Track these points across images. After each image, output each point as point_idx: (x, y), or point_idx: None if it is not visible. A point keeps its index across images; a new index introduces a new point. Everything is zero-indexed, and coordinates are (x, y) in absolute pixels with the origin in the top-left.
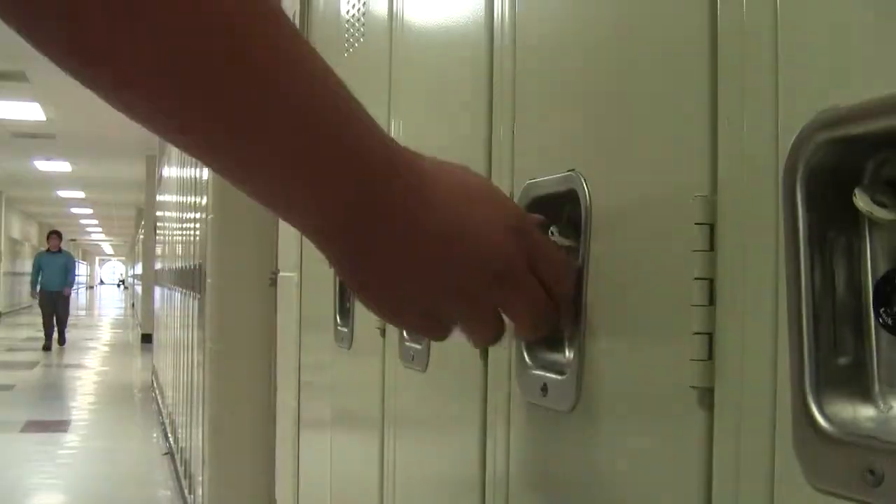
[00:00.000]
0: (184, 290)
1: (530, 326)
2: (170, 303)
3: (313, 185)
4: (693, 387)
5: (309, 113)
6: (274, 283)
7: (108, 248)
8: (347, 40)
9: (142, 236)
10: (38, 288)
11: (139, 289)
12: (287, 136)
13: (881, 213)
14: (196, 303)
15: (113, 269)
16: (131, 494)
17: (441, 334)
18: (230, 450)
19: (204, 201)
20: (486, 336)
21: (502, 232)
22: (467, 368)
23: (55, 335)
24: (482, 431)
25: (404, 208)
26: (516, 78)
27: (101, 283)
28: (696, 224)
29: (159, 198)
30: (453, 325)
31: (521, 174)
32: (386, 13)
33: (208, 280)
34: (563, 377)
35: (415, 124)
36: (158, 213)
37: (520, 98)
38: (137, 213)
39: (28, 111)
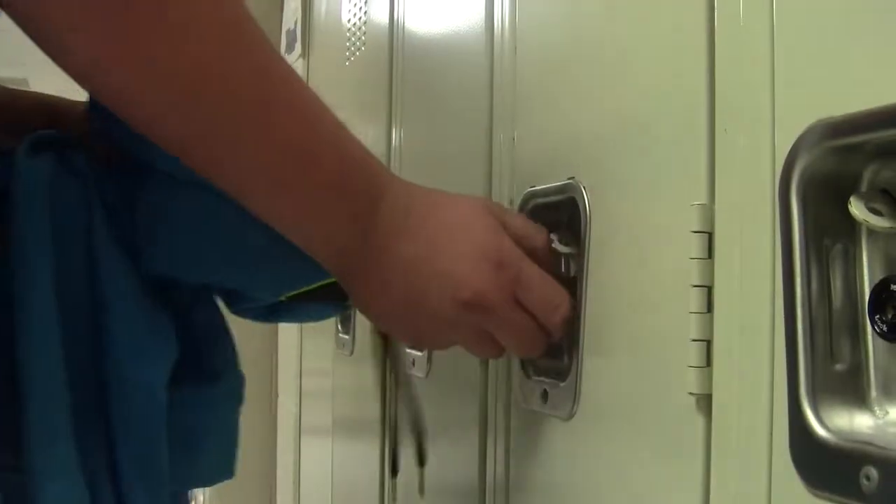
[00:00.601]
0: None
1: (522, 351)
2: None
3: (312, 217)
4: (691, 393)
5: (305, 153)
6: None
7: None
8: (348, 48)
9: None
10: None
11: None
12: (281, 169)
13: (876, 221)
14: None
15: None
16: None
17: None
18: None
19: None
20: (482, 354)
21: (474, 263)
22: (467, 375)
23: None
24: (482, 438)
25: (382, 237)
26: (516, 86)
27: None
28: (693, 232)
29: None
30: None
31: (521, 182)
32: (387, 21)
33: None
34: (563, 384)
35: (416, 132)
36: None
37: (520, 106)
38: None
39: None
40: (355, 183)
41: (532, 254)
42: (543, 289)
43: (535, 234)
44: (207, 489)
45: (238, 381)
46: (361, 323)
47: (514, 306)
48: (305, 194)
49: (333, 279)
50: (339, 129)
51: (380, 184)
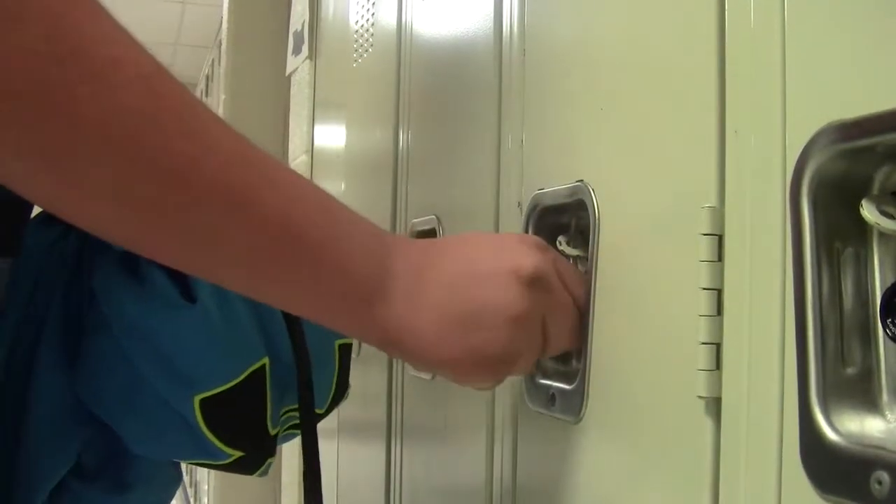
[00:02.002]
0: None
1: (570, 339)
2: None
3: (314, 304)
4: (700, 397)
5: (294, 243)
6: None
7: None
8: (356, 50)
9: None
10: None
11: None
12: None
13: (888, 224)
14: None
15: None
16: None
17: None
18: None
19: None
20: (530, 357)
21: (521, 248)
22: None
23: None
24: (489, 441)
25: (403, 298)
26: (525, 88)
27: None
28: (703, 235)
29: None
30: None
31: (530, 184)
32: (395, 24)
33: None
34: (571, 387)
35: (423, 134)
36: None
37: (528, 108)
38: None
39: None
40: (351, 264)
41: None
42: (570, 265)
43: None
44: (211, 492)
45: (156, 494)
46: None
47: (560, 283)
48: (299, 282)
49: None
50: (326, 208)
51: (385, 243)
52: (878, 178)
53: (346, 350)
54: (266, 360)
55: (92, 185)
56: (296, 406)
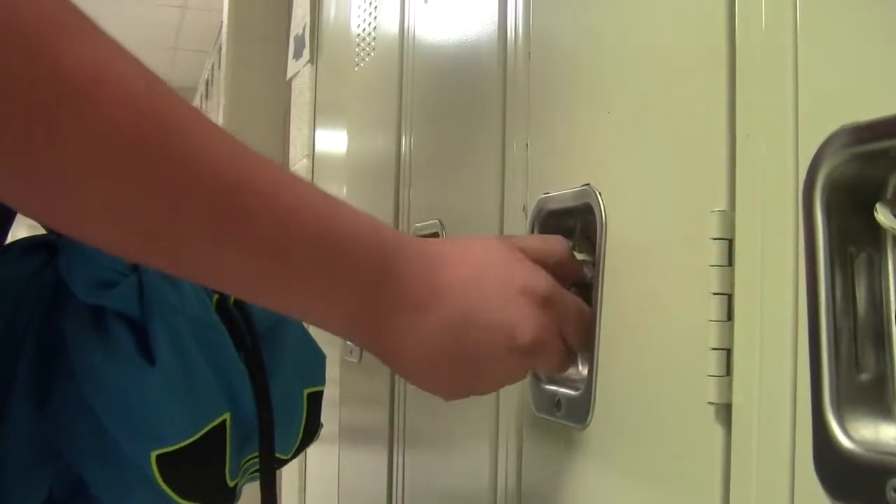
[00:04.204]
0: None
1: (554, 373)
2: None
3: (317, 300)
4: (710, 403)
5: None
6: None
7: None
8: (358, 55)
9: None
10: None
11: None
12: (280, 259)
13: None
14: None
15: None
16: None
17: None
18: None
19: None
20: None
21: (521, 307)
22: None
23: None
24: (493, 447)
25: (407, 310)
26: (531, 91)
27: None
28: (713, 239)
29: None
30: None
31: (535, 188)
32: (397, 28)
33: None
34: (577, 393)
35: (426, 139)
36: None
37: (534, 111)
38: None
39: None
40: (352, 262)
41: (558, 266)
42: (581, 320)
43: (555, 245)
44: None
45: None
46: None
47: (559, 338)
48: (293, 288)
49: None
50: (322, 213)
51: (384, 256)
52: (893, 181)
53: (314, 398)
54: (227, 416)
55: (82, 205)
56: (258, 453)
